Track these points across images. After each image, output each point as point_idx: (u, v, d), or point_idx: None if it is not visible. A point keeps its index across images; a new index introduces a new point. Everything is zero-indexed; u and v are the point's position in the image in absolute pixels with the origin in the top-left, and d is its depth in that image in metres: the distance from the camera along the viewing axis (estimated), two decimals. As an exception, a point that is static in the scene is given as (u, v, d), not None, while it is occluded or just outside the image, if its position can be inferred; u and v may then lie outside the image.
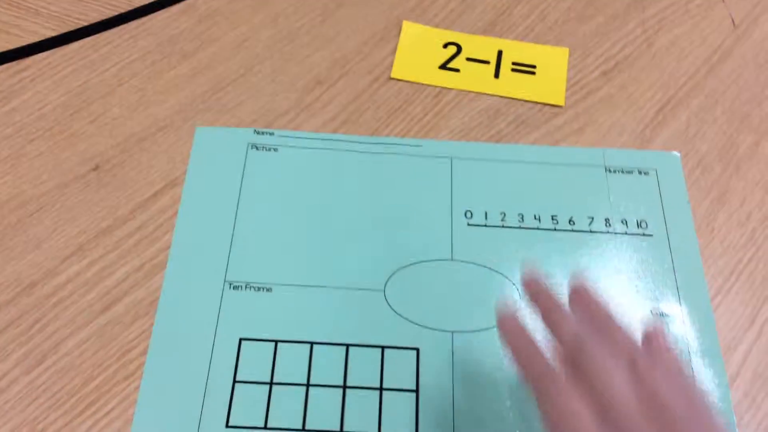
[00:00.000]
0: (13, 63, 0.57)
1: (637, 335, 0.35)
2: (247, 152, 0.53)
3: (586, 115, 0.56)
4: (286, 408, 0.43)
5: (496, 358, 0.45)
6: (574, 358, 0.34)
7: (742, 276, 0.49)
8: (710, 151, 0.54)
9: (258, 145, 0.53)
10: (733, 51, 0.60)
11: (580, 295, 0.37)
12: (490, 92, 0.57)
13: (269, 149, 0.53)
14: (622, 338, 0.34)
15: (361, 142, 0.54)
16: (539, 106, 0.57)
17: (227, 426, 0.43)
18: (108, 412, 0.42)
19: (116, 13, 0.60)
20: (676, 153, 0.54)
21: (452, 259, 0.49)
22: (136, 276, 0.47)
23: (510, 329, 0.36)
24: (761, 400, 0.44)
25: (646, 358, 0.33)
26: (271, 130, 0.54)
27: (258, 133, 0.54)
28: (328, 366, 0.45)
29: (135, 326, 0.45)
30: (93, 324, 0.45)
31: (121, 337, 0.45)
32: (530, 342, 0.35)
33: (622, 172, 0.53)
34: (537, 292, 0.38)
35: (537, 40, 0.61)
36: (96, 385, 0.43)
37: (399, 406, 0.43)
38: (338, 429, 0.43)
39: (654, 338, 0.34)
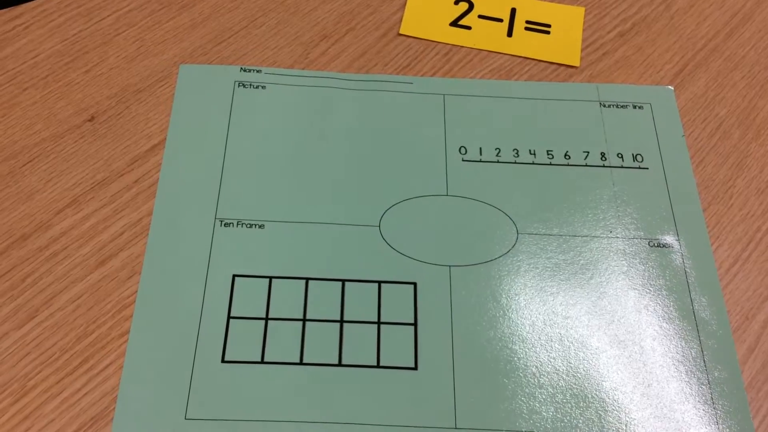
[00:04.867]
0: (7, 10, 0.55)
1: None
2: (234, 90, 0.51)
3: (601, 76, 0.54)
4: (283, 342, 0.42)
5: (494, 291, 0.44)
6: None
7: (760, 244, 0.47)
8: (729, 116, 0.52)
9: (245, 83, 0.52)
10: (753, 14, 0.58)
11: None
12: (502, 51, 0.55)
13: (257, 86, 0.52)
14: None
15: (350, 80, 0.52)
16: (553, 66, 0.54)
17: (223, 361, 0.41)
18: (102, 370, 0.41)
19: (114, -39, 0.58)
20: (669, 87, 0.53)
21: (447, 195, 0.48)
22: (133, 230, 0.45)
23: None
24: (779, 370, 0.43)
25: None
26: (258, 68, 0.52)
27: (245, 70, 0.52)
28: (324, 301, 0.43)
29: (131, 282, 0.44)
30: (87, 279, 0.44)
31: (116, 293, 0.43)
32: None
33: (617, 106, 0.52)
34: None
35: (552, -1, 0.58)
36: (90, 341, 0.42)
37: (398, 339, 0.43)
38: (337, 362, 0.42)
39: None
